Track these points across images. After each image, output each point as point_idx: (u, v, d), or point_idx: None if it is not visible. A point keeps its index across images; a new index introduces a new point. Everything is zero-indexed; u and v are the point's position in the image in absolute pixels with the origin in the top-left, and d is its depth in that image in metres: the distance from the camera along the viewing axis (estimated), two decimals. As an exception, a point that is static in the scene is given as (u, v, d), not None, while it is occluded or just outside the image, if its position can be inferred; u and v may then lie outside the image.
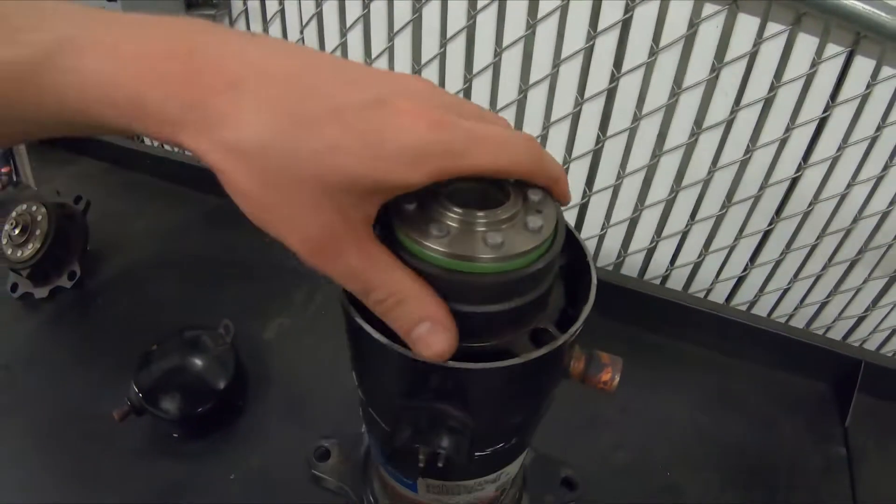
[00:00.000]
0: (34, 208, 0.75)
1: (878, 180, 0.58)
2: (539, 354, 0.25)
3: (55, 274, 0.76)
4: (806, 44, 0.54)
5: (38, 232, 0.73)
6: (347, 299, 0.24)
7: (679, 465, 0.56)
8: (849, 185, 0.59)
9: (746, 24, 0.55)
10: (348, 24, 0.69)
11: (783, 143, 0.59)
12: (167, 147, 1.01)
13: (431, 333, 0.21)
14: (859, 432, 0.60)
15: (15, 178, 0.92)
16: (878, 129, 0.56)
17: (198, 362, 0.57)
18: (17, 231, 0.73)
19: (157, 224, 0.84)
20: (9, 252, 0.74)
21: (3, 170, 0.90)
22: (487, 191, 0.25)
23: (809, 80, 0.56)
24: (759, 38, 0.55)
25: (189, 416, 0.54)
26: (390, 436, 0.29)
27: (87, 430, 0.59)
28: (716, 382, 0.64)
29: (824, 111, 0.56)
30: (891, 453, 0.60)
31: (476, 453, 0.33)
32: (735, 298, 0.70)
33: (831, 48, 0.54)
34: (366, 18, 0.68)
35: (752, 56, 0.56)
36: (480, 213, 0.23)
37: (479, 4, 0.61)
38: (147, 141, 1.03)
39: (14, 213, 0.75)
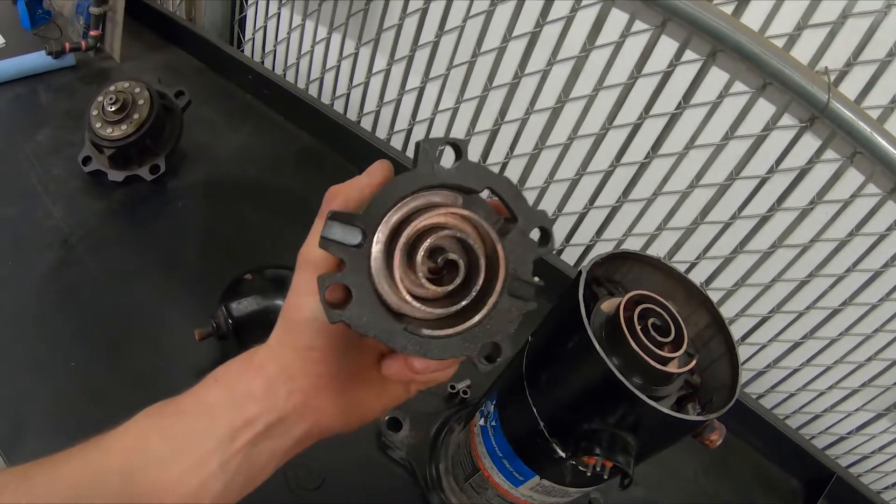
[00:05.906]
0: (137, 90, 0.72)
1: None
2: (708, 418, 0.34)
3: (137, 163, 0.74)
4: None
5: (136, 116, 0.71)
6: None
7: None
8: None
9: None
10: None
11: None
12: (267, 65, 0.97)
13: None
14: (815, 532, 0.71)
15: (99, 45, 0.88)
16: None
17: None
18: (113, 107, 0.70)
19: (250, 146, 0.82)
20: (97, 126, 0.71)
21: (92, 33, 0.86)
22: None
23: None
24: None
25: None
26: (574, 446, 0.36)
27: (151, 336, 0.60)
28: (718, 454, 0.72)
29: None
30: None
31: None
32: (748, 387, 0.79)
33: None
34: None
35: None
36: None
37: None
38: (248, 52, 0.99)
39: (113, 88, 0.72)
